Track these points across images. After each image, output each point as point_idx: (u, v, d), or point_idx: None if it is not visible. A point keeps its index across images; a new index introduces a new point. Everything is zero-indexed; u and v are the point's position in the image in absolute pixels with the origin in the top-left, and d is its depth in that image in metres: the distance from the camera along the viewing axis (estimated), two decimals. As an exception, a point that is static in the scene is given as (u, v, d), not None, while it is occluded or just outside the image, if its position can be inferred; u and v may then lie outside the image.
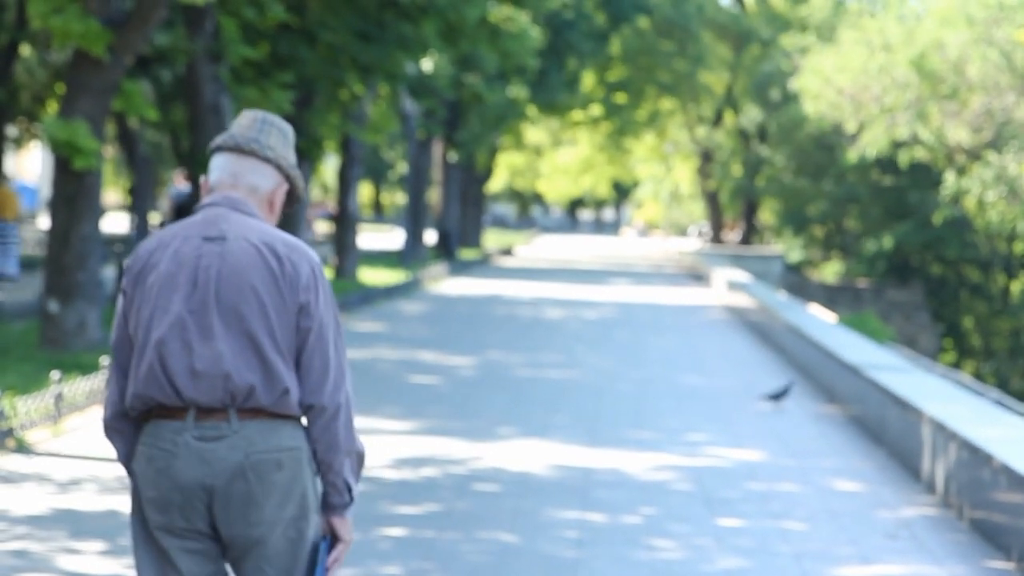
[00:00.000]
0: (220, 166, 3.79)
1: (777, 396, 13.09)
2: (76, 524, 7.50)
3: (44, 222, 33.66)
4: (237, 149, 3.78)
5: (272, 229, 3.74)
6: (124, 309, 3.72)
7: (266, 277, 3.64)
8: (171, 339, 3.60)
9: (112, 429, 3.75)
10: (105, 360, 11.62)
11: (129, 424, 3.74)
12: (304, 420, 3.71)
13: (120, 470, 8.90)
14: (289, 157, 3.82)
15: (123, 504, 7.97)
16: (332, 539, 3.73)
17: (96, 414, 11.03)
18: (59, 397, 10.34)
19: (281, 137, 3.82)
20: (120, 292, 3.75)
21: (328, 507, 3.73)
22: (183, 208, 22.53)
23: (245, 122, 3.82)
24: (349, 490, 3.72)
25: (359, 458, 3.74)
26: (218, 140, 3.82)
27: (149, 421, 3.67)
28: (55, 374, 10.46)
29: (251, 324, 3.61)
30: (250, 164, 3.78)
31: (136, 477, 3.68)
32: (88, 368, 12.50)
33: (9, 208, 17.47)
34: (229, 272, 3.63)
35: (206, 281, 3.63)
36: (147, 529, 3.68)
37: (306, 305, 3.66)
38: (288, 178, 3.82)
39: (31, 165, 64.12)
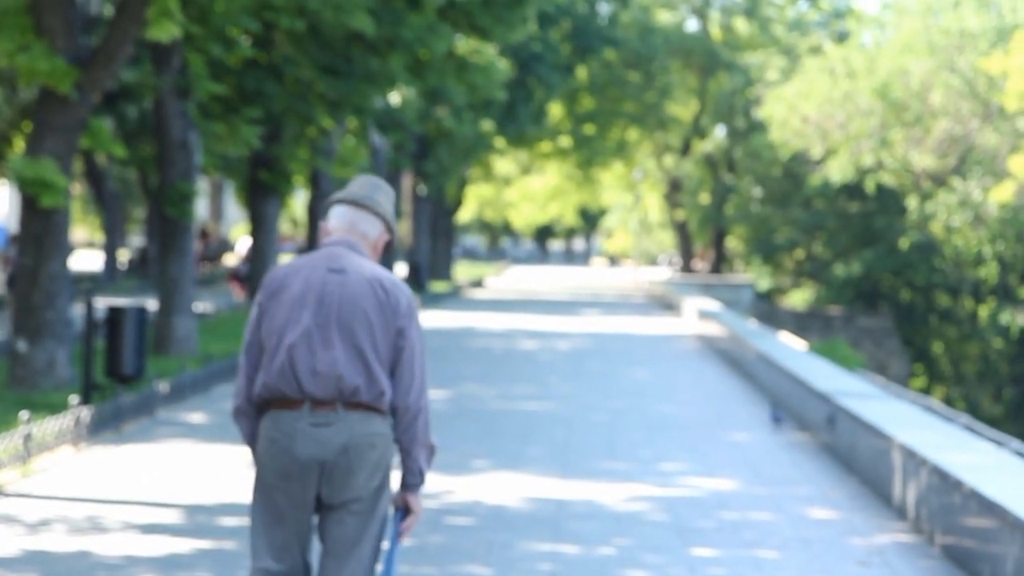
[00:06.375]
0: (340, 215, 4.81)
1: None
2: (46, 565, 7.45)
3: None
4: (355, 203, 4.81)
5: (379, 267, 4.76)
6: (258, 318, 4.70)
7: (374, 304, 4.65)
8: (300, 344, 4.61)
9: (241, 413, 4.74)
10: (74, 400, 11.57)
11: (253, 409, 4.73)
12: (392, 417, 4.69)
13: (90, 509, 8.86)
14: (391, 213, 4.83)
15: (93, 545, 7.92)
16: (404, 512, 4.77)
17: (65, 453, 10.97)
18: (28, 437, 10.27)
19: (387, 198, 4.85)
20: (256, 305, 4.71)
21: (404, 486, 4.77)
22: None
23: (361, 183, 4.84)
24: (421, 474, 4.76)
25: (431, 450, 4.77)
26: (338, 195, 4.81)
27: (269, 411, 4.64)
28: (24, 414, 10.39)
29: (360, 339, 4.63)
30: (364, 216, 4.80)
31: (260, 455, 4.66)
32: (57, 407, 12.42)
33: None
34: (348, 297, 4.65)
35: (329, 303, 4.64)
36: (264, 492, 4.63)
37: (402, 329, 4.68)
38: (389, 230, 4.84)
39: (-2, 203, 63.82)
